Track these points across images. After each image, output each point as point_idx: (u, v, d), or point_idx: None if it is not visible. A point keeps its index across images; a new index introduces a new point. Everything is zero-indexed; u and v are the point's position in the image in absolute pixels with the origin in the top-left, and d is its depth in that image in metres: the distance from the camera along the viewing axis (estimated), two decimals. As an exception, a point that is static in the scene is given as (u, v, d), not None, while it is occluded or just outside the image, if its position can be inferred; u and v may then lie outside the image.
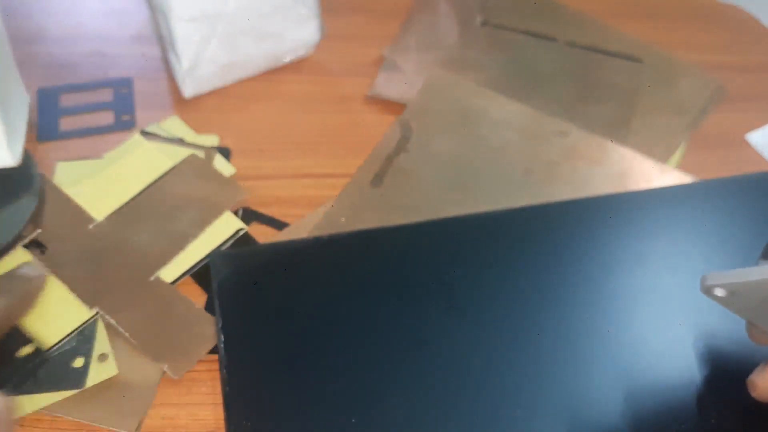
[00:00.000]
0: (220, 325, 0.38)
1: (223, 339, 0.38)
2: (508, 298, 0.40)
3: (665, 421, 0.35)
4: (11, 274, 0.36)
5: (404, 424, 0.35)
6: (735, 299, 0.31)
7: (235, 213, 0.45)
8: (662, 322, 0.39)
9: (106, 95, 0.52)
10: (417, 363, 0.37)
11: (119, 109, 0.51)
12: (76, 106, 0.51)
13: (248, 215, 0.45)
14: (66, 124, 0.50)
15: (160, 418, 0.36)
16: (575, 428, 0.35)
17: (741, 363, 0.36)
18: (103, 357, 0.37)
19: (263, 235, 0.44)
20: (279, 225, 0.45)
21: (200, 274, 0.42)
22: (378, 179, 0.45)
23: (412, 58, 0.55)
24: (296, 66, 0.55)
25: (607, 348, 0.38)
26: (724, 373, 0.37)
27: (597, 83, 0.54)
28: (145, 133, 0.49)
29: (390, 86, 0.53)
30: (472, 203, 0.45)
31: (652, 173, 0.47)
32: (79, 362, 0.37)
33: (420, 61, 0.55)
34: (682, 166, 0.49)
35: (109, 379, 0.36)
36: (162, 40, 0.52)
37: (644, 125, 0.52)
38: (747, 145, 0.52)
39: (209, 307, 0.41)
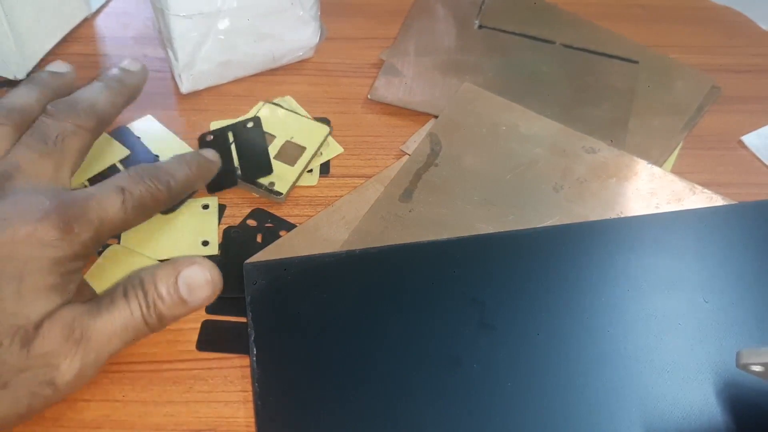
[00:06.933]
0: (252, 338, 0.38)
1: (255, 352, 0.38)
2: (540, 317, 0.39)
3: None
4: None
5: None
6: None
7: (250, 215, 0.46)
8: (698, 346, 0.38)
9: (107, 96, 0.52)
10: (447, 380, 0.37)
11: (120, 110, 0.51)
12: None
13: (261, 216, 0.45)
14: (68, 124, 0.50)
15: (162, 415, 0.37)
16: None
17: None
18: None
19: (270, 234, 0.45)
20: (287, 226, 0.45)
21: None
22: (407, 194, 0.45)
23: (410, 61, 0.55)
24: (296, 66, 0.56)
25: (642, 371, 0.37)
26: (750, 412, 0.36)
27: (594, 85, 0.55)
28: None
29: (390, 90, 0.53)
30: (502, 219, 0.45)
31: (682, 193, 0.46)
32: None
33: (419, 65, 0.55)
34: (678, 167, 0.50)
35: None
36: (162, 37, 0.53)
37: (641, 126, 0.52)
38: (742, 146, 0.52)
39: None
